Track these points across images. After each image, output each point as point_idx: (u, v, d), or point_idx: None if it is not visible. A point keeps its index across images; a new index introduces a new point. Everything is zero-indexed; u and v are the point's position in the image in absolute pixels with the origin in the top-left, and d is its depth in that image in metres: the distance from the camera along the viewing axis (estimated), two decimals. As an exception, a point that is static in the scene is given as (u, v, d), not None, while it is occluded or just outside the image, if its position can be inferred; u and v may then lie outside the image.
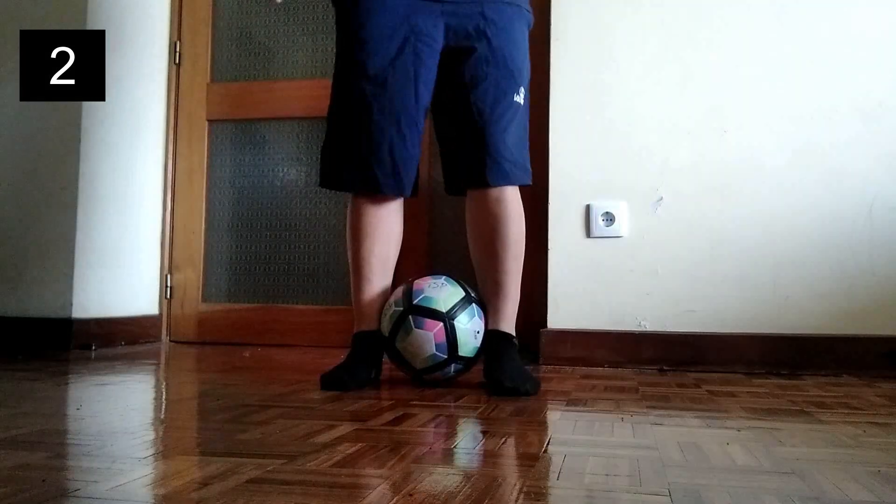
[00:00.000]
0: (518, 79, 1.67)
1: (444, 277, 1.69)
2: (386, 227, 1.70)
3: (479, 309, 1.66)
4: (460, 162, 1.70)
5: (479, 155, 1.64)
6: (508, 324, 1.69)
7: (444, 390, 1.60)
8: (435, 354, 1.59)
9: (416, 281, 1.68)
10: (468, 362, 1.65)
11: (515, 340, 1.69)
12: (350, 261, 1.73)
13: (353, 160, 1.65)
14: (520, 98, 1.67)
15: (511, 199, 1.68)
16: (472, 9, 1.64)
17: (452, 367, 1.63)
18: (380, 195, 1.68)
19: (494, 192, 1.67)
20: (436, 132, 1.78)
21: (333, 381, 1.60)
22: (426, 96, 1.66)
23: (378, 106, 1.62)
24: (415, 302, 1.61)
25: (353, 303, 1.74)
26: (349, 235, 1.72)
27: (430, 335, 1.58)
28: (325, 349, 2.57)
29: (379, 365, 1.70)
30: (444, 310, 1.60)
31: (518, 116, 1.68)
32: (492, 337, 1.67)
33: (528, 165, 1.72)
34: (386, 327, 1.65)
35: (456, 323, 1.60)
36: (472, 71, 1.64)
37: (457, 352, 1.60)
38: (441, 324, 1.59)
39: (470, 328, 1.62)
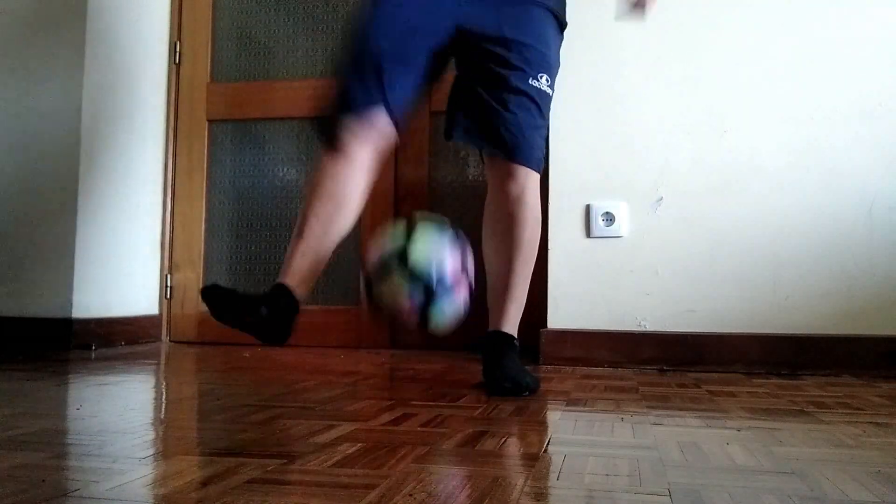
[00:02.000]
0: (541, 63, 1.64)
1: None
2: (349, 190, 1.61)
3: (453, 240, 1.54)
4: (483, 120, 1.64)
5: (505, 131, 1.61)
6: (511, 326, 1.68)
7: (444, 390, 1.60)
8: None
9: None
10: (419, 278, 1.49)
11: (517, 342, 1.68)
12: (300, 214, 1.66)
13: (337, 82, 1.61)
14: (538, 84, 1.64)
15: (534, 192, 1.65)
16: (493, 4, 1.63)
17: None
18: (343, 143, 1.58)
19: (520, 180, 1.62)
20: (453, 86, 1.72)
21: (217, 301, 1.49)
22: (429, 42, 1.62)
23: (376, 27, 1.59)
24: (409, 259, 1.47)
25: (286, 254, 1.64)
26: (307, 190, 1.65)
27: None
28: (325, 349, 2.57)
29: (278, 322, 1.54)
30: (433, 282, 1.48)
31: (536, 101, 1.64)
32: (493, 337, 1.67)
33: (541, 154, 1.68)
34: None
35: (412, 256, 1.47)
36: (487, 55, 1.63)
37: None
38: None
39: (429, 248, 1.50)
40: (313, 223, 1.62)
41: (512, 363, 1.61)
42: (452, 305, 1.52)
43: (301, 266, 1.59)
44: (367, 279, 1.54)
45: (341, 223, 1.64)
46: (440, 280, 1.48)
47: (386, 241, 1.52)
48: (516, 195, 1.64)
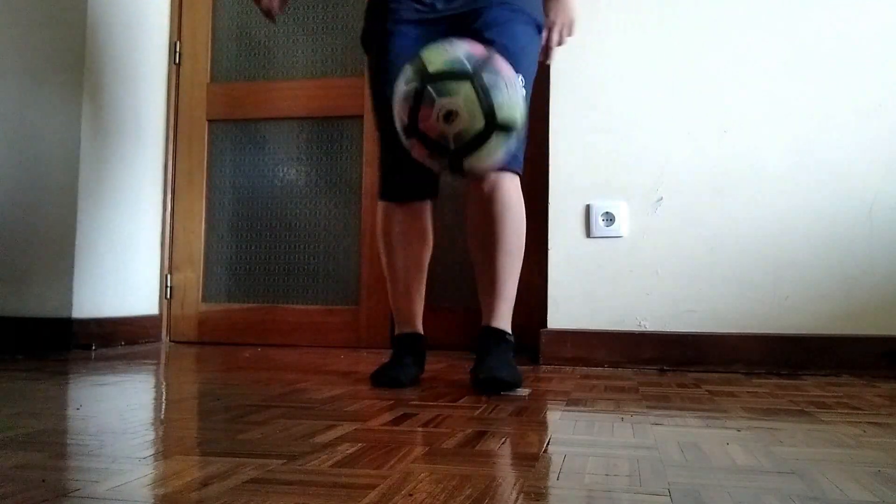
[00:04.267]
0: (516, 66, 1.65)
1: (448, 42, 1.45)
2: (417, 228, 1.74)
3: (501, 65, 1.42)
4: None
5: None
6: (501, 321, 1.68)
7: (444, 390, 1.60)
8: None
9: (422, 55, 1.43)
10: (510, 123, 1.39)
11: (510, 337, 1.68)
12: (385, 266, 1.80)
13: (382, 170, 1.76)
14: None
15: (508, 189, 1.66)
16: (472, 15, 1.67)
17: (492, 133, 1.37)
18: (405, 201, 1.73)
19: (489, 177, 1.63)
20: None
21: (385, 378, 1.65)
22: None
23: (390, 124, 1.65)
24: (431, 71, 1.37)
25: (392, 306, 1.81)
26: (381, 240, 1.78)
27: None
28: (325, 349, 2.57)
29: (423, 365, 1.77)
30: (469, 67, 1.36)
31: None
32: (484, 334, 1.67)
33: (521, 156, 1.68)
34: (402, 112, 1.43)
35: (486, 76, 1.36)
36: None
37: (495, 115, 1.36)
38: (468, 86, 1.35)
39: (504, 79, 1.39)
40: (409, 267, 1.77)
41: (496, 360, 1.60)
42: (503, 81, 1.39)
43: (413, 310, 1.79)
44: (403, 125, 1.43)
45: (428, 258, 1.79)
46: (471, 59, 1.37)
47: (404, 79, 1.42)
48: (488, 193, 1.65)
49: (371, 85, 1.77)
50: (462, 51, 1.40)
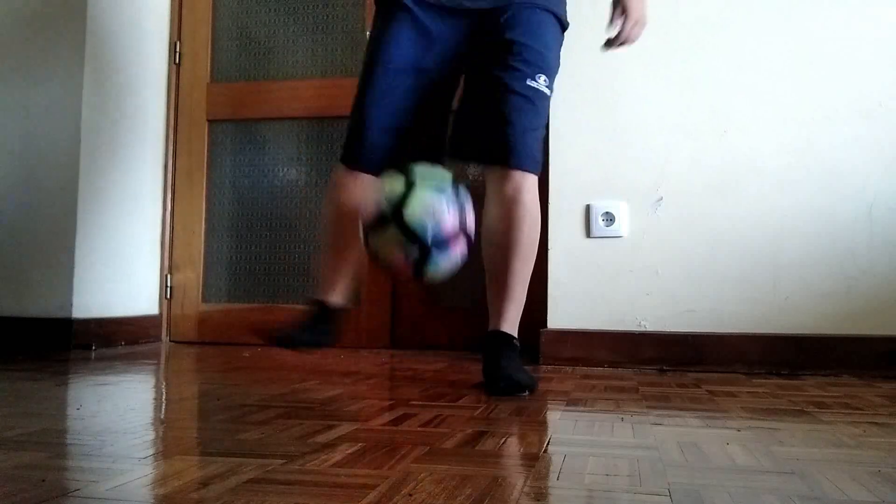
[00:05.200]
0: (540, 64, 1.67)
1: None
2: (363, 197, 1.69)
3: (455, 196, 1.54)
4: (475, 131, 1.69)
5: (500, 137, 1.64)
6: (510, 325, 1.68)
7: (444, 390, 1.60)
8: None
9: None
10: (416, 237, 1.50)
11: (517, 342, 1.68)
12: (328, 230, 1.80)
13: (349, 132, 1.75)
14: (536, 84, 1.66)
15: (529, 192, 1.66)
16: (497, 13, 1.68)
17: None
18: (363, 170, 1.71)
19: (514, 180, 1.64)
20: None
21: (285, 338, 1.71)
22: (424, 93, 1.70)
23: (376, 86, 1.68)
24: (405, 214, 1.48)
25: (322, 269, 1.83)
26: (331, 204, 1.78)
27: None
28: (325, 349, 2.57)
29: (329, 335, 1.82)
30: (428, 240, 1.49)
31: (533, 102, 1.66)
32: (492, 337, 1.66)
33: (538, 155, 1.69)
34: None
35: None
36: (491, 50, 1.68)
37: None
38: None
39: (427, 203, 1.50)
40: (347, 234, 1.74)
41: (510, 363, 1.60)
42: (447, 261, 1.52)
43: (341, 279, 1.80)
44: (364, 228, 1.56)
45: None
46: (435, 237, 1.48)
47: (384, 193, 1.52)
48: (511, 196, 1.64)
49: (367, 52, 1.76)
50: (438, 221, 1.48)
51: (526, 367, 1.67)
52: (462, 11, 1.69)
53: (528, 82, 1.64)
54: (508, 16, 1.67)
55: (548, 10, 1.70)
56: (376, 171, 1.67)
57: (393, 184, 1.52)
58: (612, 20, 1.80)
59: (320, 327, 1.79)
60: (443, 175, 1.56)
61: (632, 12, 1.76)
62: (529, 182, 1.66)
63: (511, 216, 1.65)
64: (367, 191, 1.66)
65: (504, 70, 1.64)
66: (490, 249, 1.70)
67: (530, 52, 1.65)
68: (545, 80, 1.68)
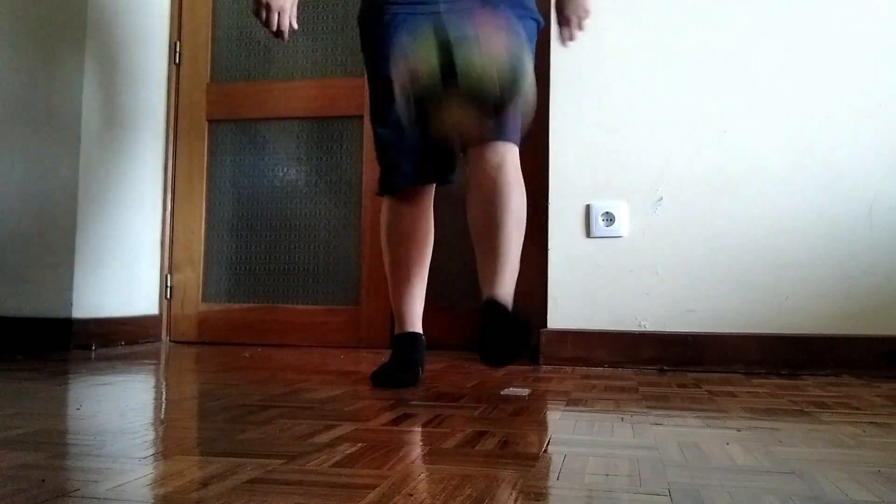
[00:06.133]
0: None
1: None
2: (420, 227, 1.77)
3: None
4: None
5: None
6: (506, 292, 1.62)
7: (444, 390, 1.60)
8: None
9: None
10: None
11: (510, 308, 1.62)
12: (387, 264, 1.80)
13: (381, 162, 1.76)
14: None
15: (514, 162, 1.67)
16: (474, 9, 1.66)
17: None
18: (407, 194, 1.74)
19: (498, 150, 1.64)
20: None
21: (385, 378, 1.66)
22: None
23: (390, 110, 1.66)
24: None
25: (393, 305, 1.82)
26: (384, 238, 1.79)
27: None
28: (326, 349, 2.57)
29: (423, 365, 1.77)
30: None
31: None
32: (489, 305, 1.59)
33: (517, 125, 1.68)
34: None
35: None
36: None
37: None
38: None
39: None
40: (412, 267, 1.78)
41: (506, 330, 1.56)
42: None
43: (415, 310, 1.79)
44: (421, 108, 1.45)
45: (429, 256, 1.81)
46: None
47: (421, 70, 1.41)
48: (497, 163, 1.64)
49: (368, 66, 1.76)
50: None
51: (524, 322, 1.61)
52: (438, 13, 1.69)
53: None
54: (486, 11, 1.67)
55: (523, 6, 1.71)
56: (416, 182, 1.73)
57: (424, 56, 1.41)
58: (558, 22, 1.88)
59: (412, 359, 1.74)
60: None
61: (573, 13, 1.86)
62: (512, 154, 1.66)
63: (499, 183, 1.64)
64: (417, 207, 1.74)
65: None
66: (479, 218, 1.67)
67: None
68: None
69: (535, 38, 1.76)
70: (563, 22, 1.88)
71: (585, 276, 2.21)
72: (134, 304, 2.71)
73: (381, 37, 1.69)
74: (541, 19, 1.77)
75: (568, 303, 2.21)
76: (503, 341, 1.53)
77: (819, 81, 2.13)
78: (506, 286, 1.62)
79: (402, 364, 1.71)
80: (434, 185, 1.79)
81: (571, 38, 1.90)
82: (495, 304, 1.59)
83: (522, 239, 1.68)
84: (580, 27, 1.89)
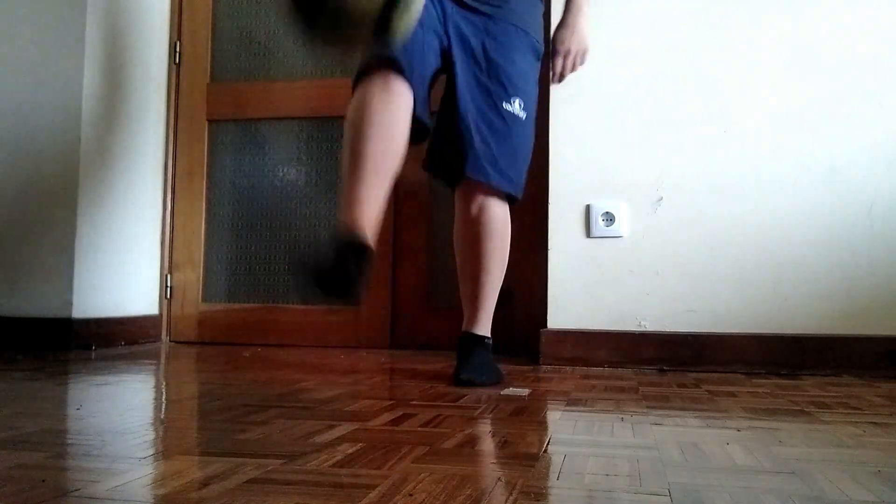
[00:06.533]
0: (510, 89, 1.70)
1: None
2: (396, 116, 1.50)
3: None
4: (445, 149, 1.74)
5: (459, 146, 1.68)
6: (482, 328, 1.79)
7: (443, 390, 1.60)
8: None
9: None
10: None
11: (489, 341, 1.79)
12: (346, 153, 1.50)
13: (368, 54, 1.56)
14: (511, 108, 1.70)
15: (495, 213, 1.72)
16: (481, 22, 1.71)
17: None
18: (391, 71, 1.51)
19: (478, 199, 1.71)
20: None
21: (328, 285, 1.33)
22: (433, 41, 1.65)
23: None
24: None
25: (343, 197, 1.48)
26: (349, 123, 1.51)
27: None
28: (326, 349, 2.57)
29: (364, 281, 1.38)
30: None
31: (508, 123, 1.70)
32: (465, 339, 1.77)
33: (520, 180, 1.75)
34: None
35: None
36: (465, 70, 1.69)
37: None
38: None
39: None
40: (378, 160, 1.47)
41: (478, 359, 1.73)
42: None
43: (366, 213, 1.45)
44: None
45: (400, 157, 1.53)
46: None
47: None
48: (475, 216, 1.73)
49: None
50: None
51: (493, 363, 1.77)
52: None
53: (504, 105, 1.69)
54: (494, 30, 1.69)
55: (526, 33, 1.74)
56: (409, 73, 1.51)
57: None
58: (552, 57, 1.87)
59: (352, 267, 1.34)
60: None
61: (572, 47, 1.86)
62: (494, 203, 1.73)
63: (476, 233, 1.74)
64: (395, 92, 1.48)
65: (481, 89, 1.69)
66: (462, 258, 1.80)
67: (505, 75, 1.69)
68: (520, 104, 1.72)
69: (535, 70, 1.79)
70: (558, 55, 1.86)
71: (585, 276, 2.21)
72: (134, 305, 2.71)
73: None
74: (540, 48, 1.79)
75: (568, 303, 2.21)
76: (472, 371, 1.69)
77: (819, 81, 2.12)
78: (481, 323, 1.79)
79: (342, 272, 1.33)
80: (412, 97, 1.56)
81: (563, 76, 1.89)
82: (469, 337, 1.77)
83: (500, 280, 1.80)
84: (574, 68, 1.88)
